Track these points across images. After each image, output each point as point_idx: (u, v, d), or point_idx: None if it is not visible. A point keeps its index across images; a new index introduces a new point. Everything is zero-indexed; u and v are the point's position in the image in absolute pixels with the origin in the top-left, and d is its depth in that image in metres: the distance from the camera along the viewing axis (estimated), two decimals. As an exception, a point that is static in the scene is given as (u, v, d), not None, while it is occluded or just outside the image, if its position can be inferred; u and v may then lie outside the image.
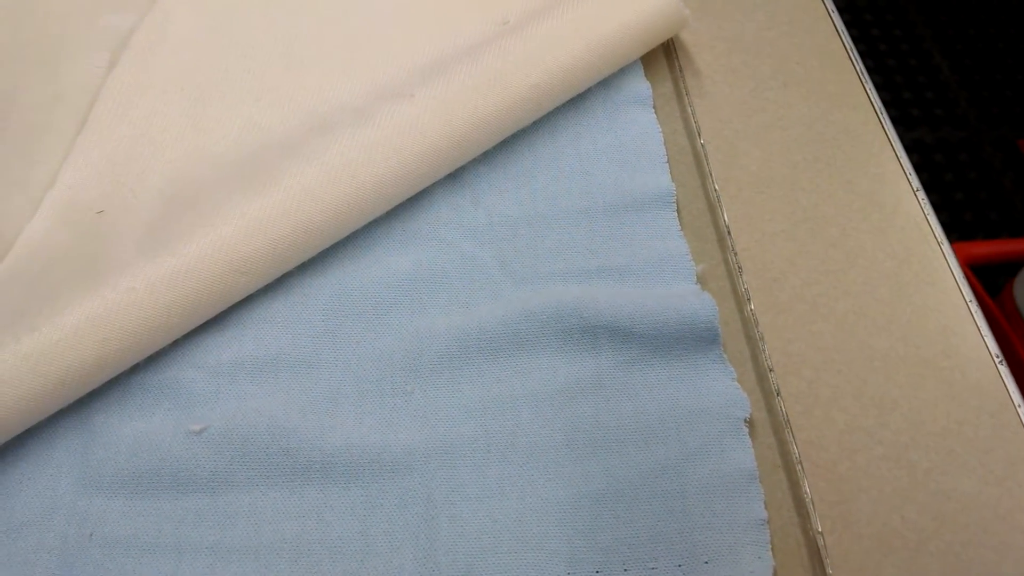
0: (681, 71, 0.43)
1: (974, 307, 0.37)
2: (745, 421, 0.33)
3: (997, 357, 0.36)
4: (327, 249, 0.36)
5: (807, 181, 0.40)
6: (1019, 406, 0.35)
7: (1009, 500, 0.33)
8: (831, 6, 0.47)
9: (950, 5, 1.79)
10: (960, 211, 1.48)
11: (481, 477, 0.31)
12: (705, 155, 0.40)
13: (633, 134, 0.40)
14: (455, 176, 0.39)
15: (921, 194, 0.40)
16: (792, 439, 0.33)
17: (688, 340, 0.34)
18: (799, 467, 0.32)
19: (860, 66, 0.45)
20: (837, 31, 0.46)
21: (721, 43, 0.45)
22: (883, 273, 0.38)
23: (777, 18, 0.46)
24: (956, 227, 1.47)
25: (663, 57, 0.44)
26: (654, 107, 0.42)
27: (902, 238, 0.39)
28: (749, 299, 0.36)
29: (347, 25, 0.43)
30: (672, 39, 0.44)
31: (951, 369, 0.36)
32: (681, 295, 0.35)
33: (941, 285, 0.38)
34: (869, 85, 0.44)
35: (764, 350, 0.35)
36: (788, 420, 0.33)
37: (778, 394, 0.34)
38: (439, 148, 0.37)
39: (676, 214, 0.38)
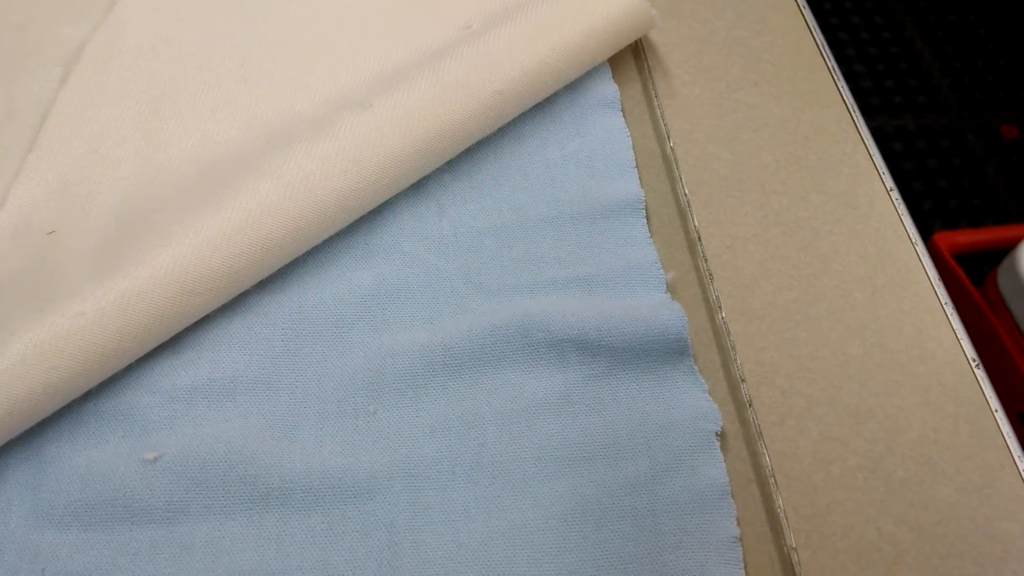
0: (650, 72, 0.42)
1: (950, 310, 0.36)
2: (716, 434, 0.32)
3: (974, 361, 0.35)
4: (286, 266, 0.35)
5: (779, 183, 0.40)
6: (996, 411, 0.34)
7: (987, 509, 0.32)
8: (802, 2, 0.47)
9: (931, -8, 1.79)
10: (944, 198, 1.48)
11: (446, 500, 0.30)
12: (675, 159, 0.39)
13: (601, 139, 0.39)
14: (418, 186, 0.38)
15: (895, 194, 0.40)
16: (765, 451, 0.32)
17: (658, 352, 0.33)
18: (772, 480, 0.32)
19: (832, 63, 0.44)
20: (809, 28, 0.45)
21: (691, 43, 0.44)
22: (857, 276, 0.37)
23: (748, 17, 0.46)
24: (940, 214, 1.46)
25: (632, 59, 0.43)
26: (623, 110, 0.41)
27: (876, 240, 0.38)
28: (720, 307, 0.35)
29: (306, 35, 0.41)
30: (641, 40, 0.44)
31: (927, 374, 0.35)
32: (650, 305, 0.34)
33: (916, 288, 0.37)
34: (841, 83, 0.43)
35: (736, 360, 0.34)
36: (760, 432, 0.33)
37: (750, 405, 0.33)
38: (400, 159, 0.36)
39: (645, 221, 0.37)
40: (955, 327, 0.36)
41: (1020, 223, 1.29)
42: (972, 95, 1.63)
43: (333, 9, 0.42)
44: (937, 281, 0.37)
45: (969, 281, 1.05)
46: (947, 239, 1.10)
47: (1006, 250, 1.00)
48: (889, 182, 0.40)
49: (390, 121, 0.36)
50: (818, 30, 0.45)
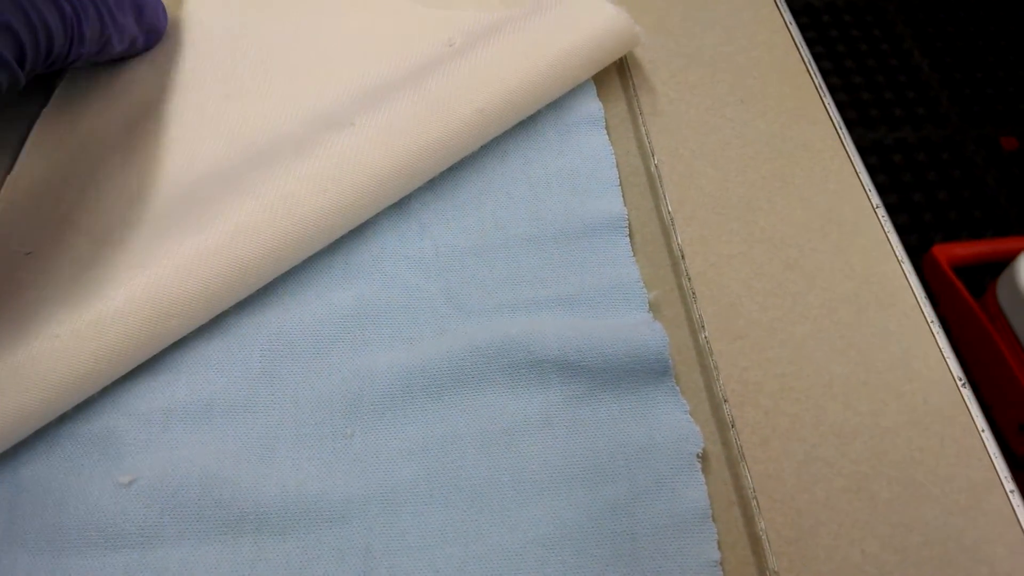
0: (635, 90, 0.42)
1: (936, 328, 0.36)
2: (697, 456, 0.32)
3: (960, 380, 0.35)
4: (265, 286, 0.35)
5: (764, 200, 0.39)
6: (983, 431, 0.34)
7: (974, 531, 0.32)
8: (789, 18, 0.46)
9: (929, 4, 1.79)
10: (944, 210, 1.48)
11: (422, 524, 0.30)
12: (659, 176, 0.39)
13: (585, 157, 0.39)
14: (400, 205, 0.38)
15: (881, 211, 0.39)
16: (747, 473, 0.32)
17: (639, 372, 0.33)
18: (754, 502, 0.31)
19: (819, 79, 0.44)
20: (795, 44, 0.45)
21: (677, 60, 0.44)
22: (843, 295, 0.37)
23: (735, 33, 0.45)
24: (941, 226, 1.46)
25: (617, 76, 0.43)
26: (607, 128, 0.40)
27: (862, 257, 0.38)
28: (703, 326, 0.35)
29: (289, 52, 0.41)
30: (626, 56, 0.43)
31: (913, 394, 0.34)
32: (632, 325, 0.34)
33: (903, 306, 0.37)
34: (828, 99, 0.43)
35: (719, 380, 0.34)
36: (743, 453, 0.32)
37: (732, 426, 0.33)
38: (381, 178, 0.36)
39: (628, 239, 0.37)
40: (941, 346, 0.36)
41: (1020, 235, 1.28)
42: (971, 107, 1.63)
43: (315, 27, 0.42)
44: (924, 299, 0.37)
45: (969, 293, 1.04)
46: (946, 251, 1.10)
47: (1006, 262, 1.00)
48: (876, 199, 0.40)
49: (371, 139, 0.36)
50: (805, 46, 0.45)
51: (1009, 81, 1.66)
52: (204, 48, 0.41)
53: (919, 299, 0.37)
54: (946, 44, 1.71)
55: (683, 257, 0.37)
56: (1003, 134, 1.59)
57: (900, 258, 0.38)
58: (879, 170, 1.52)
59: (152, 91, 0.40)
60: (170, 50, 0.42)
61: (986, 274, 1.08)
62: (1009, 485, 0.33)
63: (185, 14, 0.43)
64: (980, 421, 0.34)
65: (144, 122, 0.38)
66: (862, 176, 0.40)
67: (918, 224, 1.45)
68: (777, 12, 0.47)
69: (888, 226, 0.39)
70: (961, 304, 1.02)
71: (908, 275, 0.38)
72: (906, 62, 1.68)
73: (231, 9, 0.44)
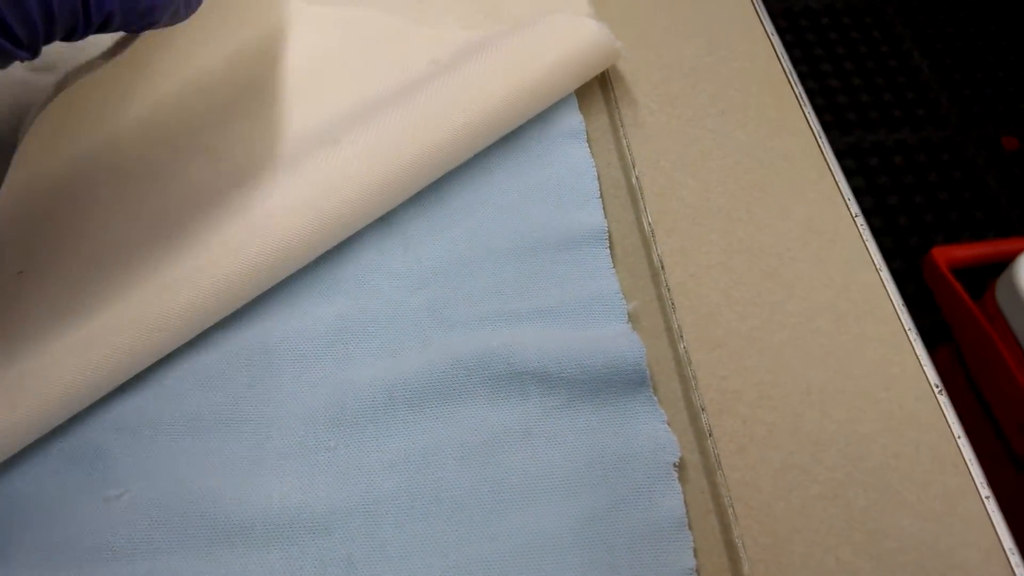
0: (616, 102, 0.43)
1: (913, 335, 0.37)
2: (674, 465, 0.32)
3: (936, 387, 0.35)
4: (250, 301, 0.35)
5: (744, 210, 0.40)
6: (959, 437, 0.34)
7: (949, 537, 0.32)
8: (770, 29, 0.47)
9: (928, 5, 1.79)
10: (946, 211, 1.48)
11: (403, 535, 0.31)
12: (640, 188, 0.40)
13: (566, 170, 0.40)
14: (384, 219, 0.38)
15: (860, 220, 0.40)
16: (724, 481, 0.32)
17: (617, 383, 0.33)
18: (731, 510, 0.32)
19: (799, 89, 0.44)
20: (777, 55, 0.46)
21: (659, 71, 0.45)
22: (821, 303, 0.37)
23: (716, 44, 0.46)
24: (942, 227, 1.46)
25: (598, 88, 0.44)
26: (588, 140, 0.41)
27: (841, 266, 0.38)
28: (682, 336, 0.36)
29: (274, 70, 0.42)
30: (608, 69, 0.44)
31: (889, 401, 0.35)
32: (610, 336, 0.34)
33: (880, 314, 0.37)
34: (808, 109, 0.43)
35: (696, 389, 0.34)
36: (719, 461, 0.33)
37: (710, 435, 0.33)
38: (367, 194, 0.36)
39: (608, 251, 0.37)
40: (918, 353, 0.36)
41: (1020, 236, 1.28)
42: (971, 107, 1.63)
43: (300, 45, 0.43)
44: (901, 307, 0.37)
45: (968, 295, 1.05)
46: (945, 253, 1.10)
47: (1006, 263, 1.00)
48: (855, 208, 0.40)
49: (358, 156, 0.37)
50: (786, 56, 0.46)
51: (1009, 81, 1.66)
52: (188, 74, 0.42)
53: (896, 307, 0.37)
54: (945, 45, 1.71)
55: (663, 268, 0.37)
56: (1004, 134, 1.59)
57: (878, 266, 0.38)
58: (880, 171, 1.52)
59: (141, 110, 0.40)
60: (160, 69, 0.42)
61: (988, 275, 1.08)
62: (984, 491, 0.33)
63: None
64: (956, 428, 0.35)
65: (133, 142, 0.39)
66: (841, 185, 0.41)
67: (919, 226, 1.45)
68: (758, 22, 0.47)
69: (867, 235, 0.39)
70: (960, 306, 1.02)
71: (886, 283, 0.38)
72: (905, 63, 1.68)
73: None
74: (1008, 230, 1.44)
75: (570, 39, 0.41)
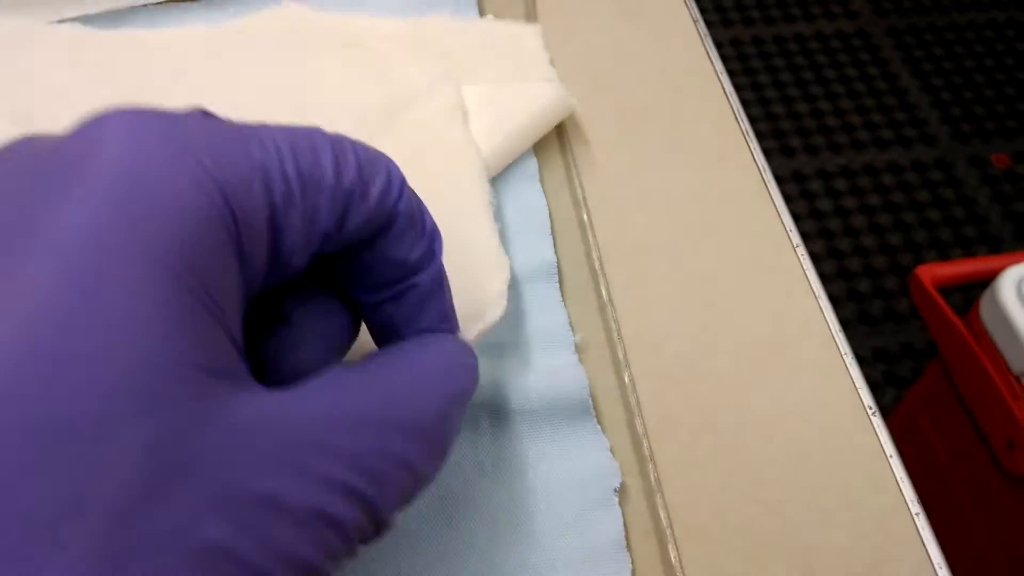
0: (570, 144, 0.45)
1: (849, 360, 0.38)
2: (615, 490, 0.34)
3: (870, 409, 0.37)
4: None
5: (689, 244, 0.42)
6: (891, 457, 0.36)
7: (878, 553, 0.34)
8: (720, 67, 0.49)
9: (915, 28, 1.81)
10: (937, 229, 1.49)
11: (353, 570, 0.32)
12: (590, 224, 0.42)
13: (519, 210, 0.42)
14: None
15: (801, 249, 0.42)
16: (663, 503, 0.34)
17: (563, 413, 0.35)
18: (669, 531, 0.33)
19: (745, 125, 0.46)
20: (725, 93, 0.48)
21: (611, 111, 0.47)
22: (760, 331, 0.39)
23: (666, 84, 0.48)
24: (933, 246, 1.48)
25: (553, 130, 0.46)
26: (541, 180, 0.43)
27: (781, 295, 0.40)
28: (627, 365, 0.38)
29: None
30: (562, 112, 0.46)
31: (824, 423, 0.37)
32: (557, 367, 0.36)
33: (817, 339, 0.39)
34: (754, 144, 0.46)
35: (640, 416, 0.36)
36: (660, 485, 0.34)
37: (651, 459, 0.35)
38: None
39: (558, 286, 0.39)
40: (853, 376, 0.38)
41: (1006, 253, 1.30)
42: (961, 126, 1.65)
43: (270, 102, 0.45)
44: (838, 332, 0.39)
45: (954, 312, 1.06)
46: (930, 271, 1.12)
47: (992, 280, 1.01)
48: (796, 239, 0.42)
49: None
50: (735, 94, 0.48)
51: (998, 99, 1.68)
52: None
53: (833, 332, 0.39)
54: (934, 66, 1.74)
55: (610, 301, 0.39)
56: (994, 152, 1.60)
57: (817, 294, 0.40)
58: (872, 191, 1.54)
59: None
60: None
61: (976, 292, 1.10)
62: (914, 508, 0.35)
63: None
64: (889, 447, 0.36)
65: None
66: (784, 218, 0.43)
67: (911, 244, 1.47)
68: (708, 62, 0.49)
69: (807, 263, 0.41)
70: (946, 323, 1.04)
71: (824, 310, 0.40)
72: (895, 84, 1.70)
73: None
74: (999, 247, 1.46)
75: (530, 107, 0.43)
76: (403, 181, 0.25)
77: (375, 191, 0.24)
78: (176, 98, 0.45)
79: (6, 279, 0.16)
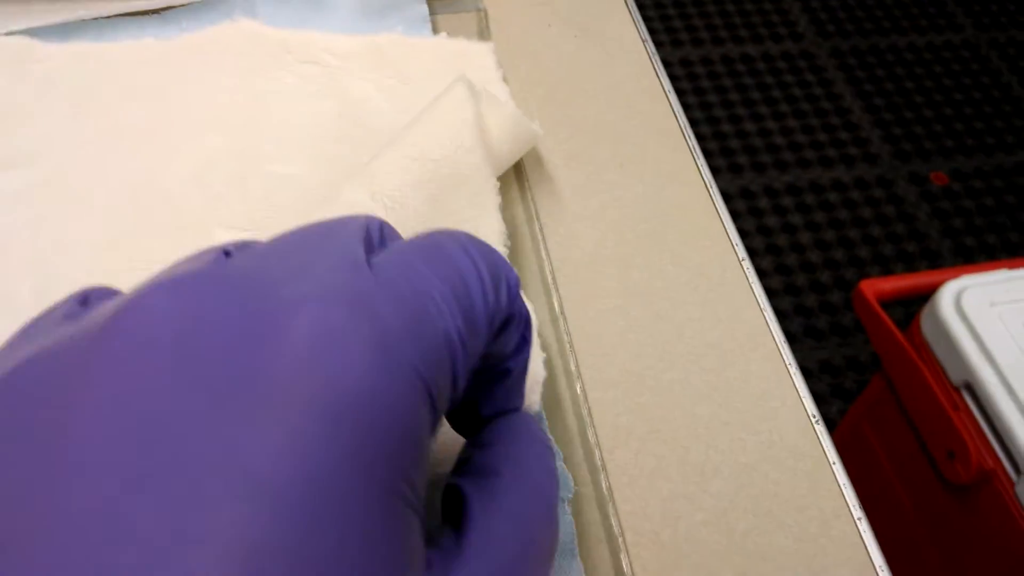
0: (523, 161, 0.46)
1: (794, 370, 0.40)
2: (568, 501, 0.34)
3: (814, 417, 0.38)
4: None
5: (639, 257, 0.43)
6: (834, 463, 0.37)
7: (823, 556, 0.35)
8: (668, 86, 0.50)
9: (857, 49, 1.87)
10: (879, 245, 1.54)
11: None
12: (543, 239, 0.43)
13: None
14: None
15: (747, 263, 0.43)
16: (615, 512, 0.35)
17: (515, 423, 0.36)
18: (620, 539, 0.34)
19: (693, 142, 0.48)
20: (673, 112, 0.49)
21: (563, 129, 0.48)
22: (708, 343, 0.40)
23: (616, 102, 0.49)
24: (876, 261, 1.52)
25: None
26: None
27: (728, 306, 0.41)
28: (579, 376, 0.38)
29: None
30: (515, 128, 0.47)
31: (770, 432, 0.38)
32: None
33: (763, 350, 0.40)
34: (701, 161, 0.47)
35: (592, 426, 0.37)
36: (611, 494, 0.35)
37: (603, 469, 0.36)
38: None
39: (511, 299, 0.40)
40: (797, 386, 0.39)
41: (945, 268, 1.34)
42: (901, 146, 1.70)
43: (224, 117, 0.46)
44: (783, 343, 0.40)
45: (896, 326, 1.09)
46: (873, 286, 1.15)
47: (932, 294, 1.04)
48: (742, 252, 0.43)
49: None
50: (682, 112, 0.49)
51: (937, 120, 1.74)
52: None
53: (779, 344, 0.40)
54: (876, 87, 1.79)
55: (563, 314, 0.40)
56: (933, 170, 1.66)
57: (762, 306, 0.41)
58: (817, 208, 1.58)
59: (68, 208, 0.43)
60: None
61: (918, 306, 1.13)
62: (857, 512, 0.36)
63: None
64: (832, 454, 0.37)
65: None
66: (730, 232, 0.44)
67: (854, 260, 1.51)
68: (657, 81, 0.51)
69: (752, 277, 0.43)
70: (888, 337, 1.07)
71: (770, 322, 0.41)
72: (838, 105, 1.75)
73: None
74: (938, 262, 1.50)
75: (508, 148, 0.42)
76: (517, 280, 0.25)
77: (503, 302, 0.23)
78: (128, 113, 0.45)
79: (206, 524, 0.14)
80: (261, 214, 0.41)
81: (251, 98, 0.46)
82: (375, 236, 0.23)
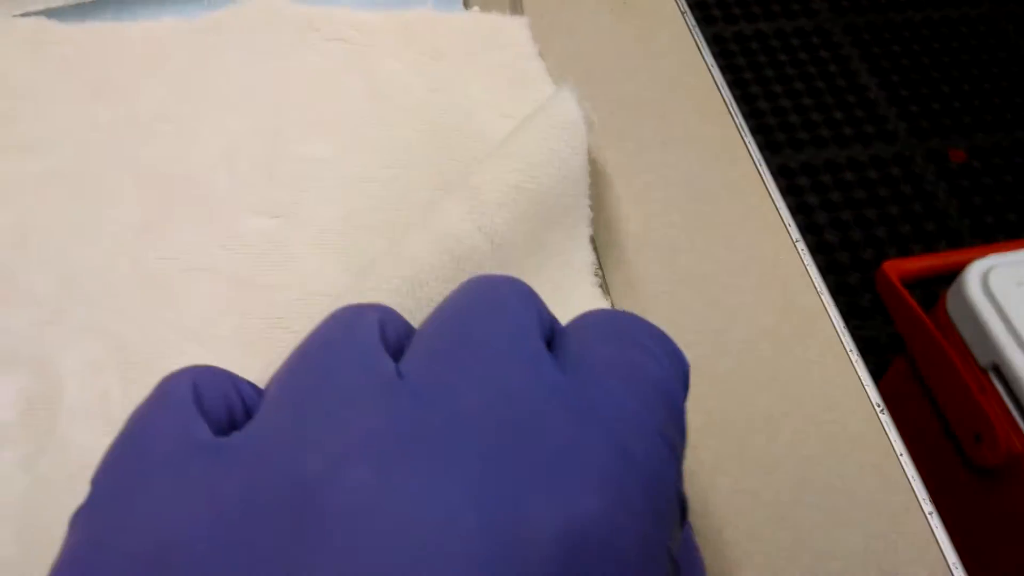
0: (561, 138, 0.44)
1: (855, 356, 0.38)
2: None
3: (879, 407, 0.36)
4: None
5: (686, 240, 0.41)
6: (901, 456, 0.35)
7: (894, 554, 0.33)
8: (711, 61, 0.48)
9: (873, 25, 1.84)
10: (897, 225, 1.51)
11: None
12: (586, 222, 0.41)
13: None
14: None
15: (801, 245, 0.41)
16: (674, 510, 0.33)
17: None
18: (682, 538, 0.32)
19: (740, 119, 0.46)
20: (717, 86, 0.47)
21: (604, 106, 0.46)
22: (764, 329, 0.38)
23: (658, 77, 0.47)
24: (894, 241, 1.49)
25: (543, 125, 0.45)
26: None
27: (783, 291, 0.39)
28: (631, 367, 0.36)
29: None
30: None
31: (832, 422, 0.36)
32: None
33: (822, 336, 0.38)
34: (749, 138, 0.45)
35: (646, 419, 0.35)
36: (670, 490, 0.33)
37: (660, 464, 0.34)
38: None
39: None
40: (860, 374, 0.37)
41: (969, 247, 1.32)
42: (919, 123, 1.67)
43: (247, 98, 0.43)
44: (843, 330, 0.38)
45: (920, 307, 1.07)
46: (896, 267, 1.13)
47: (956, 274, 1.02)
48: (795, 234, 0.41)
49: None
50: (726, 88, 0.47)
51: (954, 96, 1.71)
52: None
53: (838, 329, 0.38)
54: (892, 63, 1.76)
55: (611, 304, 0.38)
56: (951, 147, 1.63)
57: (819, 290, 0.40)
58: (833, 187, 1.55)
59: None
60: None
61: (940, 287, 1.11)
62: (927, 507, 0.34)
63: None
64: (899, 446, 0.36)
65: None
66: (782, 212, 0.42)
67: (872, 239, 1.48)
68: (699, 56, 0.48)
69: (808, 259, 0.41)
70: (913, 318, 1.05)
71: (828, 306, 0.39)
72: (854, 82, 1.72)
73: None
74: (957, 241, 1.48)
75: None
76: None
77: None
78: (149, 94, 0.43)
79: None
80: (291, 199, 0.39)
81: (275, 78, 0.44)
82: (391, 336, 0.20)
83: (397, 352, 0.19)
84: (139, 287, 0.35)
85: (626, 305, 0.38)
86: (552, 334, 0.21)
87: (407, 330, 0.21)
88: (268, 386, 0.19)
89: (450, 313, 0.20)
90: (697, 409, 0.36)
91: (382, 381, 0.18)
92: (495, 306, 0.20)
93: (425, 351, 0.19)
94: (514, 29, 0.46)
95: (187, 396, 0.18)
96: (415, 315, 0.31)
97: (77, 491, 0.30)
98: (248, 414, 0.19)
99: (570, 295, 0.37)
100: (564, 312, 0.36)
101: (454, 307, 0.20)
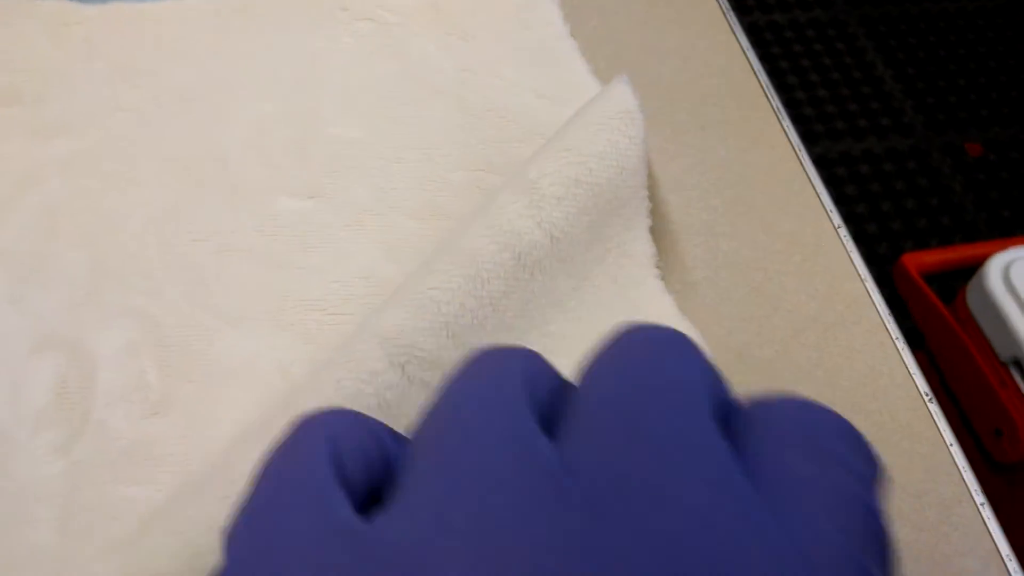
0: (596, 121, 0.43)
1: (901, 344, 0.37)
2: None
3: (927, 395, 0.36)
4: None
5: (727, 225, 0.40)
6: (951, 445, 0.34)
7: (946, 546, 0.32)
8: (745, 44, 0.47)
9: (888, 16, 1.82)
10: (913, 218, 1.50)
11: None
12: (623, 206, 0.40)
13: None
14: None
15: (843, 231, 0.40)
16: (721, 499, 0.32)
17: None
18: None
19: (777, 103, 0.45)
20: (752, 70, 0.46)
21: (637, 89, 0.45)
22: (807, 316, 0.37)
23: (692, 61, 0.46)
24: (910, 234, 1.48)
25: (578, 107, 0.44)
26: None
27: (826, 277, 0.39)
28: (672, 354, 0.35)
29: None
30: (586, 89, 0.44)
31: (880, 411, 0.35)
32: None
33: (867, 324, 0.37)
34: (787, 122, 0.44)
35: (689, 406, 0.34)
36: (716, 479, 0.33)
37: (705, 452, 0.33)
38: None
39: (596, 270, 0.37)
40: (907, 362, 0.36)
41: (988, 240, 1.30)
42: (935, 115, 1.66)
43: (276, 80, 0.43)
44: (888, 316, 0.38)
45: (939, 300, 1.06)
46: (915, 259, 1.12)
47: (975, 268, 1.01)
48: (837, 219, 0.40)
49: None
50: (763, 71, 0.46)
51: (970, 88, 1.69)
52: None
53: (883, 317, 0.38)
54: (908, 55, 1.74)
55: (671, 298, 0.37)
56: (967, 140, 1.61)
57: (863, 277, 0.39)
58: (847, 181, 1.54)
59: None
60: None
61: (957, 280, 1.10)
62: (979, 498, 0.33)
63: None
64: (948, 435, 0.35)
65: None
66: (823, 197, 0.41)
67: (888, 233, 1.47)
68: (733, 38, 0.47)
69: (850, 245, 0.40)
70: (932, 311, 1.04)
71: (872, 293, 0.38)
72: (870, 74, 1.71)
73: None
74: (974, 235, 1.47)
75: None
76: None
77: None
78: (174, 76, 0.42)
79: None
80: (325, 180, 0.38)
81: (305, 59, 0.43)
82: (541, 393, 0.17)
83: (545, 414, 0.17)
84: (172, 269, 0.35)
85: (669, 290, 0.37)
86: (727, 410, 0.18)
87: (557, 383, 0.18)
88: (411, 447, 0.17)
89: (614, 382, 0.17)
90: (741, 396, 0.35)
91: (545, 479, 0.15)
92: (669, 384, 0.17)
93: (587, 437, 0.16)
94: (545, 8, 0.46)
95: (324, 459, 0.16)
96: (476, 314, 0.30)
97: (113, 477, 0.29)
98: (388, 469, 0.17)
99: (630, 288, 0.36)
100: (625, 306, 0.35)
101: (619, 375, 0.17)
